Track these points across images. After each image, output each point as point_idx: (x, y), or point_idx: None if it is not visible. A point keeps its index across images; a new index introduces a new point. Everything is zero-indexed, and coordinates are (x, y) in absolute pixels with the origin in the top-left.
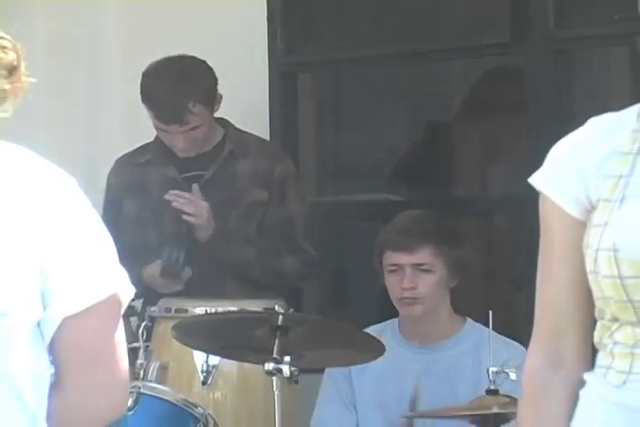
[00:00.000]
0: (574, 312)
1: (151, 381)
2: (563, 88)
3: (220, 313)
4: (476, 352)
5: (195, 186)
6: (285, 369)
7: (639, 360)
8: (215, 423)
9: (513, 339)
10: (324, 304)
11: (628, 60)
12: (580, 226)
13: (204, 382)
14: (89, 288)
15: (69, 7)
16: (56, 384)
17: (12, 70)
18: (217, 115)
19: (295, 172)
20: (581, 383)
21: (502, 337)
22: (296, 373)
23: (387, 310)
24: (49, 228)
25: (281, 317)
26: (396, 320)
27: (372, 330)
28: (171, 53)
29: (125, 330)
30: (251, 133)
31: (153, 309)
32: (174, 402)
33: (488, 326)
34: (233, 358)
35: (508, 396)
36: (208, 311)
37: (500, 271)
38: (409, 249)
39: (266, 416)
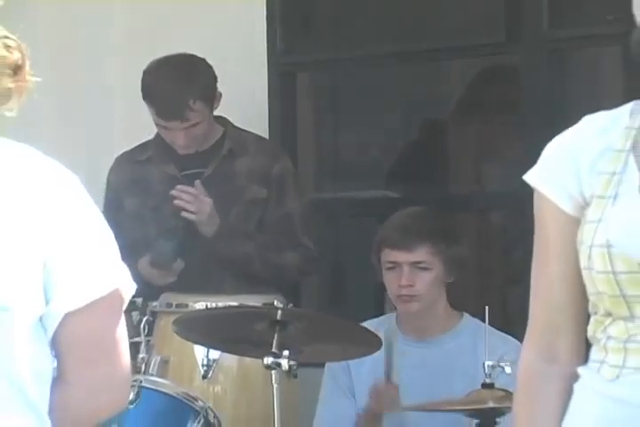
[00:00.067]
0: (568, 307)
1: (152, 374)
2: (557, 87)
3: (220, 308)
4: (473, 347)
5: (197, 182)
6: (284, 363)
7: (632, 355)
8: (215, 416)
9: (508, 333)
10: (323, 300)
11: (621, 59)
12: (574, 222)
13: (204, 376)
14: (91, 284)
15: (70, 7)
16: (58, 378)
17: (16, 69)
18: (216, 113)
19: (293, 170)
20: (575, 377)
21: (498, 332)
22: (295, 367)
23: (384, 306)
24: (52, 224)
25: (280, 312)
26: (393, 315)
27: (369, 324)
28: (171, 53)
29: (127, 324)
30: (249, 131)
31: (154, 304)
32: (175, 395)
33: (484, 321)
34: (233, 353)
35: (503, 390)
36: (208, 306)
37: (495, 267)
38: (407, 247)
39: (265, 409)
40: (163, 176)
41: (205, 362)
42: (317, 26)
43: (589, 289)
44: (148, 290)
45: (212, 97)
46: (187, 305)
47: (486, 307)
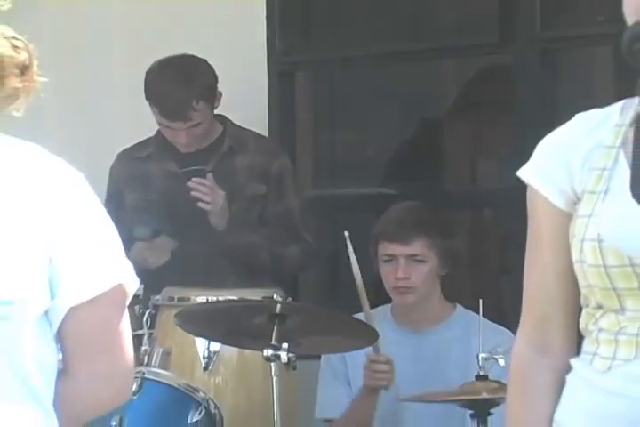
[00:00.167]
0: (560, 299)
1: (155, 366)
2: (549, 87)
3: (221, 302)
4: (466, 338)
5: (209, 175)
6: (283, 355)
7: (623, 347)
8: (216, 407)
9: (501, 325)
10: (321, 293)
11: (613, 59)
12: (566, 217)
13: (205, 368)
14: (95, 279)
15: (71, 8)
16: (63, 371)
17: (24, 69)
18: (216, 112)
19: (291, 167)
20: (567, 369)
21: (492, 323)
22: (294, 359)
23: (380, 300)
24: (57, 220)
25: (279, 305)
26: (388, 306)
27: (362, 316)
28: (171, 53)
29: (130, 318)
30: (249, 129)
31: (157, 297)
32: (177, 387)
33: (478, 313)
34: (233, 345)
35: (496, 381)
36: (209, 300)
37: (489, 260)
38: (404, 240)
39: (264, 401)
40: (163, 173)
41: (206, 354)
42: (316, 26)
43: (581, 282)
44: (148, 282)
45: (213, 97)
46: (188, 299)
47: (480, 300)
